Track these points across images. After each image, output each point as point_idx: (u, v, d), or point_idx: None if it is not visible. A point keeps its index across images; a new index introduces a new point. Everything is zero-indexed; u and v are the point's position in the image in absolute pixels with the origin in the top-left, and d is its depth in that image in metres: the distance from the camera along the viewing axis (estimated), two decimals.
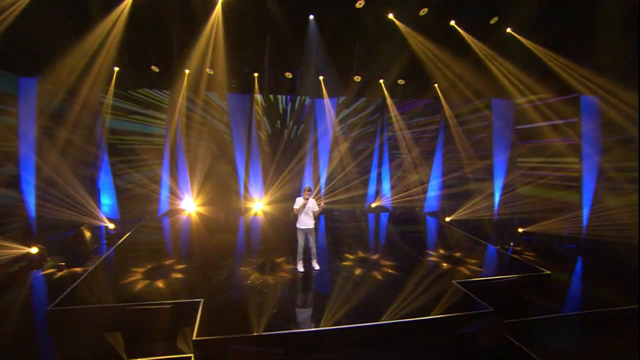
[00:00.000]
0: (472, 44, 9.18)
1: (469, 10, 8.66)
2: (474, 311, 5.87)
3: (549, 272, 7.30)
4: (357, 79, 11.15)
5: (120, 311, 5.58)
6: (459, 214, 11.43)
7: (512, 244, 9.44)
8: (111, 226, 10.04)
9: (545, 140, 10.04)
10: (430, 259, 8.32)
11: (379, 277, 7.24)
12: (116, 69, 10.14)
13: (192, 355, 4.80)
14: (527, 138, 10.77)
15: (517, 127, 10.97)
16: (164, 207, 11.84)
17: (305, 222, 7.16)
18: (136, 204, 11.42)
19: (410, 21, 8.89)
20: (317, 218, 7.36)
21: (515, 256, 8.52)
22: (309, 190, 7.13)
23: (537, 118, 9.98)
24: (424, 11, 8.29)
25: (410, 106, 12.85)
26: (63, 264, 7.74)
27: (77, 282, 6.55)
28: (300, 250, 7.32)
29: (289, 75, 11.09)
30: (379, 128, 12.92)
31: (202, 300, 5.89)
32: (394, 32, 9.02)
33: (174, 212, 11.88)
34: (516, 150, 10.95)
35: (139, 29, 9.12)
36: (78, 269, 7.46)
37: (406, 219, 12.35)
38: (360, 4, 7.96)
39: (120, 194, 11.18)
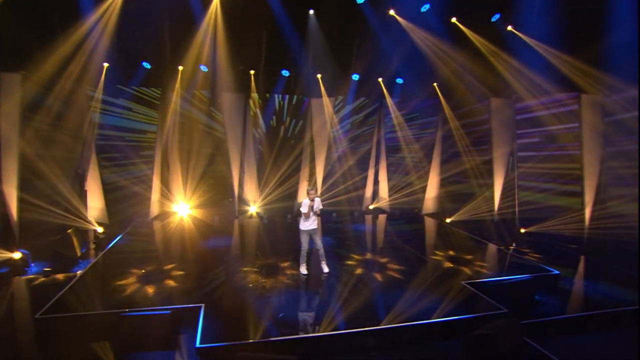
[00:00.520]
0: None
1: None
2: (489, 312, 5.66)
3: (557, 271, 7.19)
4: (355, 77, 10.98)
5: (115, 318, 5.16)
6: (460, 214, 11.29)
7: (514, 245, 9.32)
8: (100, 230, 9.54)
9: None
10: (435, 260, 8.12)
11: (386, 279, 7.00)
12: (106, 64, 9.70)
13: None
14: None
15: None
16: (156, 209, 11.35)
17: (309, 222, 6.88)
18: (126, 206, 10.90)
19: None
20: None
21: (522, 256, 8.40)
22: (314, 189, 6.87)
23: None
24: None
25: (410, 104, 12.69)
26: (49, 269, 7.23)
27: (65, 289, 6.11)
28: (304, 253, 7.01)
29: (285, 73, 10.83)
30: (377, 128, 12.71)
31: (202, 305, 5.55)
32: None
33: (166, 215, 11.41)
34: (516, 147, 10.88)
35: (130, 22, 8.79)
36: (66, 275, 6.98)
37: (406, 220, 12.16)
38: None
39: (109, 195, 10.65)
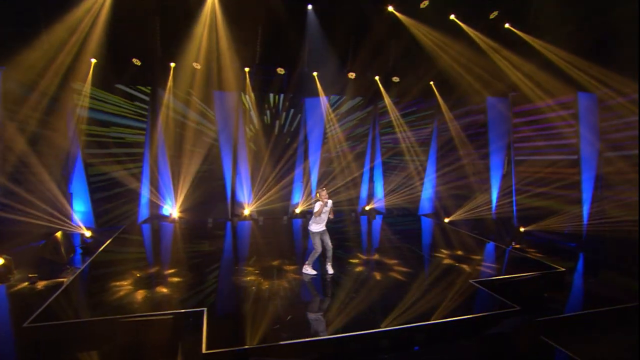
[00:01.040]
0: None
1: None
2: (501, 310, 5.52)
3: (563, 269, 7.13)
4: (352, 75, 10.80)
5: (110, 325, 4.79)
6: (458, 214, 11.21)
7: (514, 243, 9.26)
8: (87, 234, 9.06)
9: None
10: (439, 259, 7.98)
11: (392, 279, 6.79)
12: (93, 60, 9.27)
13: None
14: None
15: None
16: (145, 212, 10.90)
17: (321, 224, 6.71)
18: (114, 209, 10.41)
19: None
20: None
21: (526, 254, 8.35)
22: (324, 190, 6.69)
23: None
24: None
25: (406, 103, 12.57)
26: (34, 275, 6.76)
27: (55, 295, 5.69)
28: (316, 255, 6.78)
29: (281, 71, 10.58)
30: (371, 128, 12.57)
31: (205, 309, 5.23)
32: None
33: (156, 217, 10.97)
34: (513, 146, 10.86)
35: (120, 18, 8.44)
36: (52, 281, 6.55)
37: (404, 220, 12.02)
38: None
39: (96, 197, 10.15)
